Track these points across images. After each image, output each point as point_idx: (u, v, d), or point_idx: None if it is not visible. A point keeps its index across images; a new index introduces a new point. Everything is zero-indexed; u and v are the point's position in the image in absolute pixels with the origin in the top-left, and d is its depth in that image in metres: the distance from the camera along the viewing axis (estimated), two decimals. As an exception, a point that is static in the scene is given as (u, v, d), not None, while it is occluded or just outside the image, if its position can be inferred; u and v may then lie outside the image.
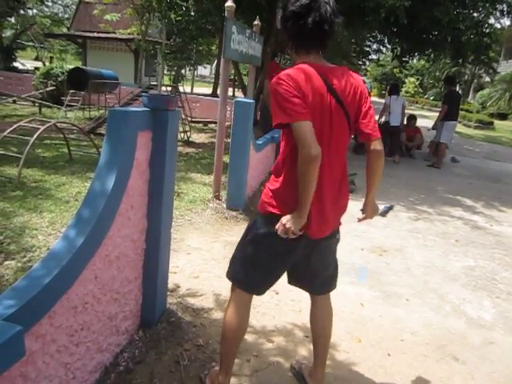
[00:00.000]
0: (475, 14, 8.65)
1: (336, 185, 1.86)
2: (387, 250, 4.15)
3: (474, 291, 3.48)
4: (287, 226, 1.70)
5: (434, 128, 9.34)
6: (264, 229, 1.85)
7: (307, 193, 1.67)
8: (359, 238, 4.38)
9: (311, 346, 2.19)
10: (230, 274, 2.02)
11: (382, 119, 9.33)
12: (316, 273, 2.02)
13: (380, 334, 2.74)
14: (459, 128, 16.31)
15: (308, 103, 1.67)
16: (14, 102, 12.73)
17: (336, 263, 2.10)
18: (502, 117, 23.90)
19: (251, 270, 1.94)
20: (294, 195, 1.73)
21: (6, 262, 3.06)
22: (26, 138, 5.47)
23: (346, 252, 3.98)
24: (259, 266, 1.91)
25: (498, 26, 12.28)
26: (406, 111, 9.73)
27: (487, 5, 8.25)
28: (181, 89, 11.18)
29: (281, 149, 1.85)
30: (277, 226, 1.73)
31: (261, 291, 2.01)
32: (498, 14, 9.00)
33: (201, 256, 3.59)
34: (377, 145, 1.83)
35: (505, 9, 8.80)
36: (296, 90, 1.66)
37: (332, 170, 1.81)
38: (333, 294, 3.12)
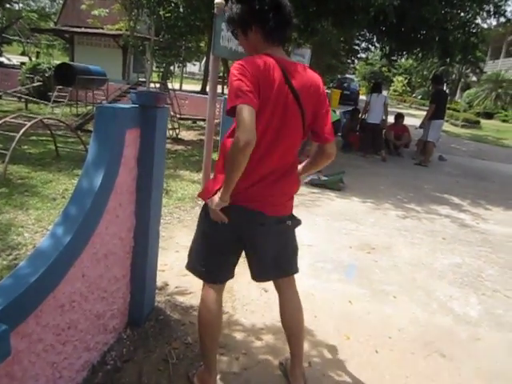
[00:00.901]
0: (462, 14, 8.73)
1: (283, 174, 1.86)
2: (375, 247, 4.18)
3: (460, 288, 3.52)
4: (209, 204, 1.82)
5: (421, 127, 9.44)
6: (204, 214, 1.97)
7: (231, 178, 1.66)
8: (347, 235, 4.40)
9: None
10: (189, 265, 2.08)
11: (364, 116, 9.52)
12: (267, 255, 1.98)
13: (368, 330, 2.76)
14: (446, 127, 16.48)
15: (261, 92, 1.66)
16: (0, 97, 12.54)
17: (293, 248, 2.09)
18: (488, 116, 24.21)
19: (205, 258, 1.98)
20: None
21: (-9, 260, 3.02)
22: (12, 134, 5.39)
23: (335, 249, 4.00)
24: (209, 250, 1.97)
25: (485, 26, 12.38)
26: (394, 109, 9.84)
27: (474, 5, 8.32)
28: (169, 85, 11.11)
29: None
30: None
31: (220, 278, 2.01)
32: (484, 14, 9.08)
33: (189, 254, 3.57)
34: (330, 148, 1.89)
35: (491, 9, 8.88)
36: (251, 76, 1.64)
37: (279, 160, 1.82)
38: (321, 291, 3.14)
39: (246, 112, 1.58)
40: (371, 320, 2.89)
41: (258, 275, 2.07)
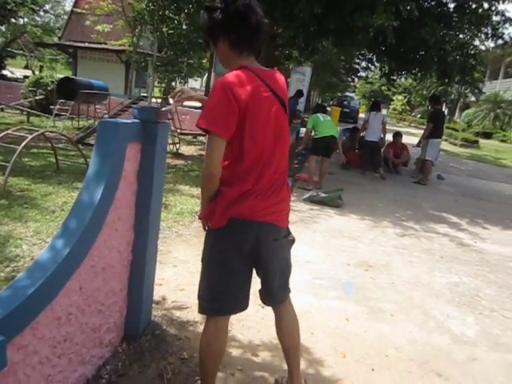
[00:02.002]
0: (461, 36, 8.90)
1: (283, 182, 1.88)
2: (373, 265, 4.18)
3: (457, 307, 3.51)
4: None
5: (418, 145, 9.50)
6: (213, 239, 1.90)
7: (202, 197, 1.86)
8: (345, 252, 4.41)
9: (296, 361, 2.19)
10: (203, 308, 1.96)
11: (362, 134, 9.71)
12: (276, 274, 1.93)
13: (365, 349, 2.75)
14: (445, 146, 16.59)
15: (249, 109, 1.70)
16: (2, 110, 12.64)
17: (289, 265, 2.04)
18: (487, 136, 24.35)
19: (214, 292, 1.90)
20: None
21: (-11, 272, 3.02)
22: (14, 146, 5.43)
23: (332, 267, 4.00)
24: (217, 283, 1.89)
25: (483, 48, 12.58)
26: (394, 128, 9.97)
27: (472, 27, 8.49)
28: (171, 101, 11.20)
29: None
30: None
31: (236, 307, 1.95)
32: (482, 36, 9.26)
33: (187, 268, 3.57)
34: None
35: (489, 32, 9.05)
36: (233, 102, 1.66)
37: (277, 169, 1.83)
38: (318, 309, 3.13)
39: (217, 144, 1.68)
40: (368, 338, 2.88)
41: (269, 299, 2.03)
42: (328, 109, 12.56)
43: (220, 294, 1.88)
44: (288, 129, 1.90)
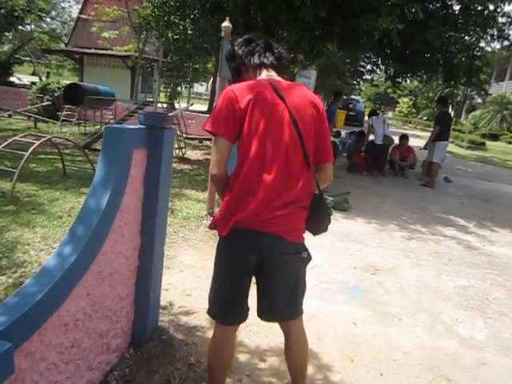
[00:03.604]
0: (467, 38, 8.85)
1: (288, 200, 1.77)
2: (380, 269, 4.16)
3: (466, 311, 3.48)
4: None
5: (425, 148, 9.49)
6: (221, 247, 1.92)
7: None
8: (352, 256, 4.39)
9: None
10: (209, 312, 2.00)
11: (369, 138, 10.24)
12: (276, 290, 1.87)
13: (373, 353, 2.73)
14: (452, 148, 16.51)
15: (255, 117, 1.73)
16: (10, 116, 12.73)
17: (300, 284, 1.94)
18: (494, 137, 24.21)
19: (218, 298, 1.93)
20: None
21: (-3, 278, 3.03)
22: (21, 152, 5.47)
23: (339, 271, 3.98)
24: (220, 290, 1.91)
25: (489, 49, 12.52)
26: (399, 131, 10.06)
27: (478, 29, 8.44)
28: (176, 106, 11.25)
29: None
30: None
31: (233, 318, 1.94)
32: (488, 37, 9.21)
33: (194, 273, 3.57)
34: (328, 169, 1.92)
35: (495, 33, 9.01)
36: (236, 107, 1.74)
37: (283, 183, 1.76)
38: (326, 313, 3.11)
39: (219, 145, 1.76)
40: (376, 342, 2.86)
41: (267, 314, 1.96)
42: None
43: (220, 301, 1.92)
44: (296, 142, 1.77)
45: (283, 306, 1.90)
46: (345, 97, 31.19)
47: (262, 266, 1.81)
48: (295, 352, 2.02)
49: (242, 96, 1.75)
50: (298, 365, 2.05)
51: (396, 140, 10.28)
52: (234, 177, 1.80)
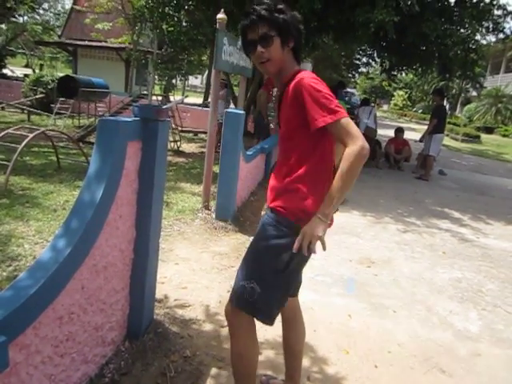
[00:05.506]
0: (462, 31, 8.85)
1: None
2: (375, 261, 4.17)
3: (460, 303, 3.50)
4: (315, 234, 1.66)
5: (421, 140, 9.49)
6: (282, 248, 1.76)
7: (344, 191, 1.57)
8: (348, 249, 4.40)
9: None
10: (270, 317, 1.85)
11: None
12: None
13: (367, 345, 2.74)
14: (447, 141, 16.54)
15: None
16: (3, 108, 12.63)
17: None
18: (489, 130, 24.29)
19: (286, 296, 1.89)
20: (317, 203, 1.67)
21: (-9, 271, 3.02)
22: (14, 145, 5.42)
23: (335, 263, 3.99)
24: (292, 284, 1.90)
25: (484, 42, 12.53)
26: (395, 124, 10.04)
27: (474, 22, 8.44)
28: (171, 98, 11.19)
29: (294, 158, 1.72)
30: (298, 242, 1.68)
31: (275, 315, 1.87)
32: (484, 30, 9.22)
33: (189, 266, 3.57)
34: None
35: (490, 26, 9.02)
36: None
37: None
38: (321, 305, 3.13)
39: (352, 122, 1.60)
40: (371, 334, 2.88)
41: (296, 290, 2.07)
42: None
43: (285, 299, 1.91)
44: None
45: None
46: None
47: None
48: (296, 333, 2.09)
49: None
50: (292, 349, 2.10)
51: (391, 133, 10.29)
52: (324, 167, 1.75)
